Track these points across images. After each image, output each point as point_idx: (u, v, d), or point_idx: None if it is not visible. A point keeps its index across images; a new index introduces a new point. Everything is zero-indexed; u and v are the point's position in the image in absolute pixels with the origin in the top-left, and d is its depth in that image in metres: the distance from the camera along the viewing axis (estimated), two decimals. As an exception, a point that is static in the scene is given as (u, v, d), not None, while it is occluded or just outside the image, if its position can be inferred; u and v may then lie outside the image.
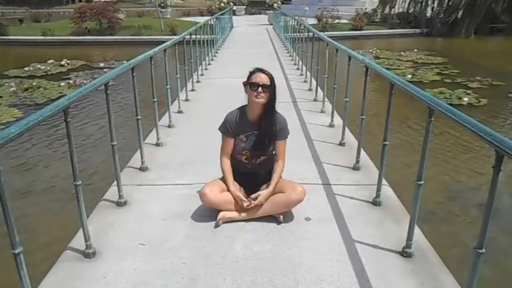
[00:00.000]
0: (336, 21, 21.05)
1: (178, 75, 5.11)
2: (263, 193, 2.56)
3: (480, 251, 1.58)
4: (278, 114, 2.65)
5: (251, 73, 2.58)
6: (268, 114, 2.61)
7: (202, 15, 25.61)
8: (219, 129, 2.68)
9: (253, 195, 2.56)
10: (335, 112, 4.58)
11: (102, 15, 19.09)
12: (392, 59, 13.39)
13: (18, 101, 8.44)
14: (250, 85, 2.54)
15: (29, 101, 8.46)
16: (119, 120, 6.48)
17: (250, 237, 2.41)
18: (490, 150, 1.51)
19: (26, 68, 11.80)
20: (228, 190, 2.61)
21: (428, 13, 21.62)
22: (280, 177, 2.69)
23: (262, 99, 2.53)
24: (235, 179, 2.67)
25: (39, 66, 12.09)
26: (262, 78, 2.53)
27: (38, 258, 2.88)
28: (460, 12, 20.47)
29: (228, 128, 2.63)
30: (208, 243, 2.35)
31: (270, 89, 2.55)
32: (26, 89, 9.30)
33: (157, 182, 3.16)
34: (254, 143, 2.61)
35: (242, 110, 2.67)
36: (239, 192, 2.59)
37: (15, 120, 6.83)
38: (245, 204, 2.53)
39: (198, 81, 6.88)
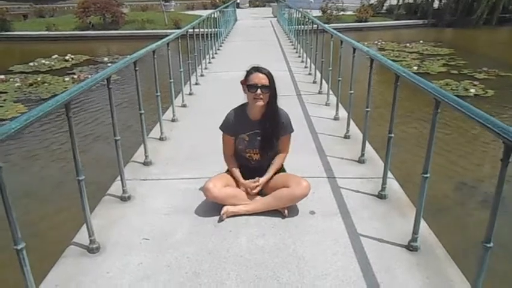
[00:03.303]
0: (341, 13, 20.92)
1: (181, 69, 5.08)
2: (261, 180, 2.59)
3: (488, 245, 1.55)
4: (280, 110, 2.61)
5: (248, 73, 2.50)
6: (271, 114, 2.55)
7: (206, 9, 25.50)
8: (220, 128, 2.65)
9: (252, 184, 2.58)
10: (340, 105, 4.53)
11: (106, 10, 19.09)
12: (398, 51, 13.27)
13: (23, 96, 8.49)
14: (248, 87, 2.47)
15: (34, 96, 8.50)
16: (124, 114, 6.47)
17: (254, 232, 2.39)
18: (498, 142, 1.48)
19: (31, 64, 11.85)
20: (238, 186, 2.61)
21: (436, 4, 21.39)
22: (281, 167, 2.71)
23: (261, 101, 2.47)
24: (243, 174, 2.65)
25: (43, 61, 12.13)
26: (260, 79, 2.45)
27: (42, 253, 2.88)
28: (469, 2, 20.26)
29: (229, 127, 2.60)
30: (212, 238, 2.34)
31: (270, 89, 2.47)
32: (31, 84, 9.34)
33: (161, 177, 3.15)
34: (260, 142, 2.58)
35: (242, 108, 2.62)
36: (246, 181, 2.60)
37: (20, 115, 6.88)
38: (254, 185, 2.57)
39: (201, 75, 6.85)
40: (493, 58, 11.80)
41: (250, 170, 2.65)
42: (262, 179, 2.59)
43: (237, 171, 2.64)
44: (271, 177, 2.63)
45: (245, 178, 2.64)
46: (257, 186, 2.58)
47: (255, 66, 2.52)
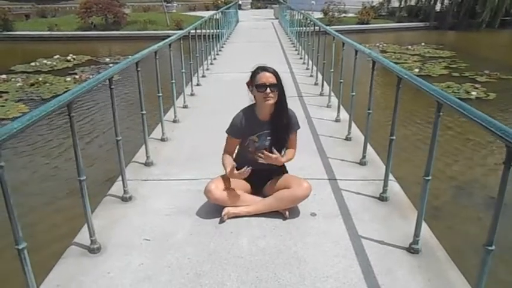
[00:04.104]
0: (343, 15, 20.92)
1: (183, 70, 5.09)
2: (274, 155, 2.49)
3: (490, 248, 1.55)
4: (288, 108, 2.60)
5: (254, 73, 2.48)
6: (281, 112, 2.54)
7: (207, 10, 25.52)
8: (227, 131, 2.61)
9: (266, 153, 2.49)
10: (341, 107, 4.53)
11: (108, 10, 19.13)
12: (400, 53, 13.28)
13: (24, 96, 8.50)
14: (256, 87, 2.46)
15: (35, 96, 8.52)
16: (125, 115, 6.48)
17: (256, 233, 2.39)
18: (500, 145, 1.47)
19: (33, 63, 11.87)
20: (229, 174, 2.52)
21: (437, 6, 21.41)
22: (283, 168, 2.70)
23: (271, 99, 2.45)
24: (251, 178, 2.61)
25: (45, 61, 12.15)
26: (268, 78, 2.43)
27: (43, 253, 2.88)
28: (471, 5, 20.28)
29: (236, 131, 2.58)
30: (213, 239, 2.34)
31: (278, 87, 2.46)
32: (32, 84, 9.36)
33: (163, 177, 3.15)
34: (270, 142, 2.56)
35: (250, 110, 2.60)
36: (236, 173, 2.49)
37: (21, 115, 6.88)
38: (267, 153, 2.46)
39: (203, 76, 6.85)
40: (494, 61, 11.80)
41: (258, 173, 2.61)
42: (276, 155, 2.48)
43: (230, 158, 2.57)
44: (281, 162, 2.56)
45: (254, 182, 2.64)
46: (268, 156, 2.47)
47: (261, 66, 2.51)
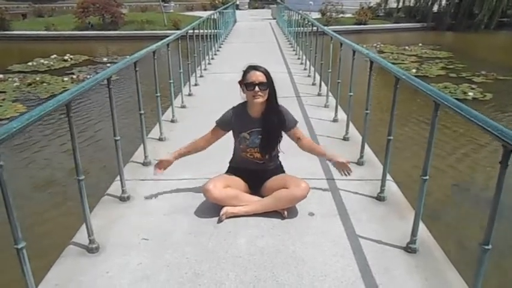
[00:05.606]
0: (340, 15, 20.95)
1: (181, 70, 5.09)
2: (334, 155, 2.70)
3: (486, 247, 1.56)
4: (280, 106, 2.62)
5: (245, 72, 2.52)
6: (271, 110, 2.56)
7: (205, 10, 25.51)
8: (216, 121, 2.65)
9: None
10: (339, 107, 4.54)
11: (105, 10, 19.11)
12: (397, 54, 13.31)
13: (21, 96, 8.49)
14: (246, 85, 2.49)
15: (33, 96, 8.51)
16: (122, 115, 6.47)
17: (254, 233, 2.40)
18: (497, 145, 1.49)
19: (30, 63, 11.84)
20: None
21: (435, 7, 21.47)
22: (281, 168, 2.77)
23: (260, 98, 2.48)
24: (242, 176, 2.65)
25: (42, 61, 12.12)
26: (257, 77, 2.46)
27: (42, 253, 2.88)
28: (469, 6, 20.35)
29: (224, 121, 2.62)
30: (212, 239, 2.34)
31: (267, 85, 2.49)
32: (30, 84, 9.34)
33: (161, 177, 3.13)
34: (261, 140, 2.58)
35: (242, 106, 2.62)
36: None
37: (19, 115, 6.85)
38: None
39: (201, 76, 6.85)
40: (491, 62, 11.85)
41: (250, 171, 2.64)
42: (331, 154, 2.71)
43: (185, 150, 2.75)
44: (327, 154, 2.73)
45: (251, 181, 2.65)
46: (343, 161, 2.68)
47: (252, 65, 2.54)
